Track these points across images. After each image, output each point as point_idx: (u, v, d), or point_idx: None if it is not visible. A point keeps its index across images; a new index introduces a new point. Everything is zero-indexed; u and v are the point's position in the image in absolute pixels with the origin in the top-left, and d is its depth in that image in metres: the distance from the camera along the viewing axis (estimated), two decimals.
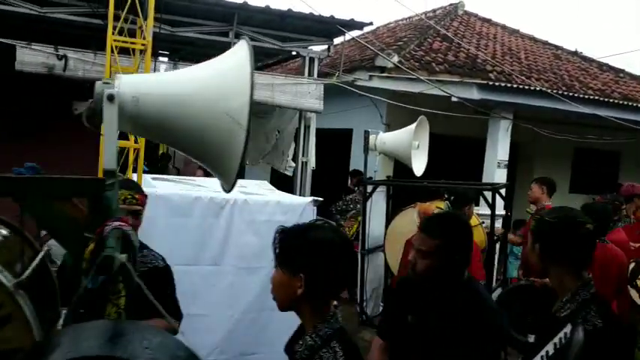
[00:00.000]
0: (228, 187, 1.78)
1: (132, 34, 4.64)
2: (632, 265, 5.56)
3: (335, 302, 6.72)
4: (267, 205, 4.15)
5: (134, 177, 4.13)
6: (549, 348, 1.87)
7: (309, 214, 4.20)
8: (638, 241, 5.55)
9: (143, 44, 4.25)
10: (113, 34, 4.17)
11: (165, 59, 8.83)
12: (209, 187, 4.36)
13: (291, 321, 1.83)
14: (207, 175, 9.11)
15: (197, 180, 5.21)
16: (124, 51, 4.61)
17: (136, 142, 4.27)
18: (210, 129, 1.66)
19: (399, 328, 2.37)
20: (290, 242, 1.67)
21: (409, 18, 12.81)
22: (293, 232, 1.69)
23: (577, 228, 1.97)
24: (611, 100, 8.73)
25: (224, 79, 1.70)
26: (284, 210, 4.17)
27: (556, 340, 1.85)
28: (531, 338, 2.07)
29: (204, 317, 3.81)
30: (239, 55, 1.70)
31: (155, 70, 5.77)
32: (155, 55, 6.32)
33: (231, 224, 4.06)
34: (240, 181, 5.64)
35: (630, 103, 8.83)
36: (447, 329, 2.17)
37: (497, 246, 6.23)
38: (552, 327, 1.90)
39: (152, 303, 1.53)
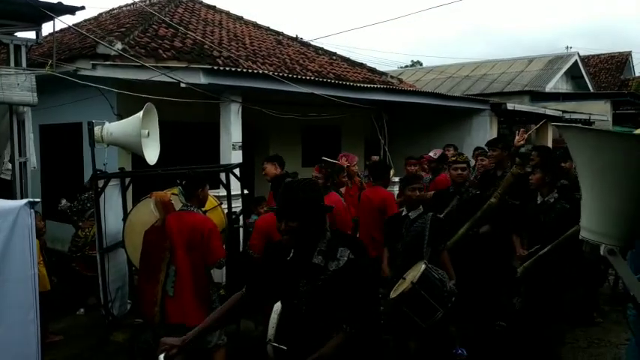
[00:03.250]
0: None
1: None
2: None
3: (82, 309, 6.20)
4: None
5: None
6: None
7: (26, 218, 3.78)
8: (354, 203, 6.38)
9: None
10: None
11: None
12: None
13: None
14: None
15: None
16: None
17: None
18: None
19: None
20: None
21: (133, 4, 12.33)
22: None
23: None
24: (326, 80, 9.72)
25: None
26: None
27: None
28: None
29: None
30: None
31: None
32: None
33: None
34: None
35: (343, 82, 9.95)
36: None
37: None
38: None
39: None
